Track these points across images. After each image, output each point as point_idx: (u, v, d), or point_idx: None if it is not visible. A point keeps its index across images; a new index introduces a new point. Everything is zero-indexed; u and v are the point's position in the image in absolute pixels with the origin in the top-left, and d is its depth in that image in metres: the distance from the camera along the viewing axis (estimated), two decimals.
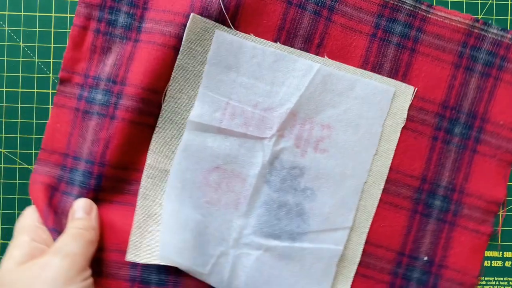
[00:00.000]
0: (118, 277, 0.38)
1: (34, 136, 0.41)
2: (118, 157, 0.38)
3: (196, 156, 0.38)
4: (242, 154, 0.39)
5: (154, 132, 0.39)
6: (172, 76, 0.38)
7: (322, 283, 0.39)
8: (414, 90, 0.39)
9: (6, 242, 0.41)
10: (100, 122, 0.38)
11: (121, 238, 0.38)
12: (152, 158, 0.39)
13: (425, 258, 0.39)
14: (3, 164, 0.41)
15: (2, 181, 0.41)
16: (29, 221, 0.37)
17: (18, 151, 0.41)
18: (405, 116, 0.39)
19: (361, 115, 0.38)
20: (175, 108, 0.39)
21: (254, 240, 0.38)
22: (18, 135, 0.41)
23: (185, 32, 0.38)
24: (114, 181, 0.39)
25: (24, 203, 0.41)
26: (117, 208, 0.39)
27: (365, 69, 0.39)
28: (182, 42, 0.38)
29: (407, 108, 0.39)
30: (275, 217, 0.38)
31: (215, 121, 0.38)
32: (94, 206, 0.38)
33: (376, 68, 0.39)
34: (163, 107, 0.38)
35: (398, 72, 0.39)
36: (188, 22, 0.38)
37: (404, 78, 0.39)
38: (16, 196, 0.41)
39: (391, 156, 0.39)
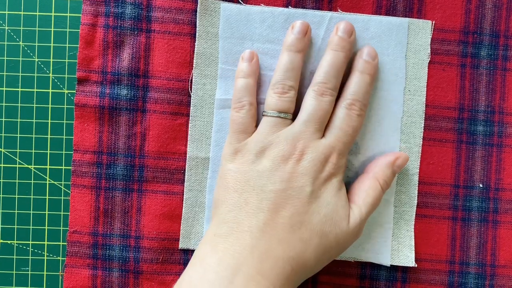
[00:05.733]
0: (172, 262, 0.40)
1: (33, 135, 0.41)
2: (157, 147, 0.39)
3: None
4: None
5: (189, 122, 0.39)
6: (194, 63, 0.39)
7: (383, 225, 0.39)
8: (432, 23, 0.39)
9: (6, 242, 0.41)
10: (132, 117, 0.39)
11: (169, 227, 0.39)
12: (192, 148, 0.39)
13: (481, 185, 0.39)
14: (3, 164, 0.41)
15: (1, 180, 0.41)
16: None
17: (17, 150, 0.41)
18: (429, 51, 0.39)
19: (382, 53, 0.39)
20: (203, 95, 0.39)
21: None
22: (18, 135, 0.41)
23: (197, 18, 0.38)
24: (156, 171, 0.39)
25: (24, 203, 0.41)
26: (161, 197, 0.39)
27: (379, 14, 0.39)
28: (197, 28, 0.38)
29: (429, 43, 0.39)
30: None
31: None
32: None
33: (390, 11, 0.39)
34: (192, 95, 0.39)
35: (412, 10, 0.39)
36: (198, 7, 0.38)
37: (420, 14, 0.39)
38: (16, 196, 0.41)
39: (424, 93, 0.39)
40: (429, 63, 0.39)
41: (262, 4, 0.39)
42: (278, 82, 0.36)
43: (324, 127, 0.36)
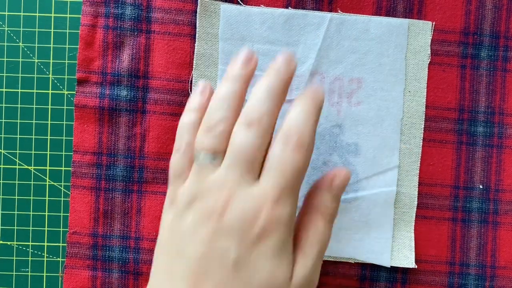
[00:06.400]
0: None
1: (33, 136, 0.41)
2: (157, 148, 0.39)
3: None
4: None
5: None
6: (194, 64, 0.39)
7: (383, 226, 0.39)
8: (432, 24, 0.39)
9: (5, 243, 0.41)
10: (132, 118, 0.39)
11: None
12: None
13: (481, 186, 0.39)
14: (3, 165, 0.41)
15: (1, 181, 0.41)
16: None
17: (17, 151, 0.41)
18: (429, 52, 0.39)
19: (382, 54, 0.39)
20: None
21: None
22: (18, 136, 0.41)
23: (197, 19, 0.38)
24: (157, 172, 0.39)
25: (24, 204, 0.41)
26: (161, 198, 0.39)
27: (379, 15, 0.39)
28: (197, 29, 0.38)
29: (429, 43, 0.39)
30: (322, 174, 0.38)
31: None
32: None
33: (391, 12, 0.39)
34: None
35: (412, 11, 0.39)
36: (198, 8, 0.38)
37: (420, 15, 0.39)
38: (16, 197, 0.41)
39: (424, 94, 0.39)
40: (429, 64, 0.39)
41: (262, 5, 0.39)
42: (208, 115, 0.30)
43: (257, 167, 0.29)
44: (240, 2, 0.39)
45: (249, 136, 0.28)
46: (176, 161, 0.31)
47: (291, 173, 0.28)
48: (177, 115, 0.39)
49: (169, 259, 0.29)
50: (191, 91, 0.39)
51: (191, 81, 0.39)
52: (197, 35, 0.39)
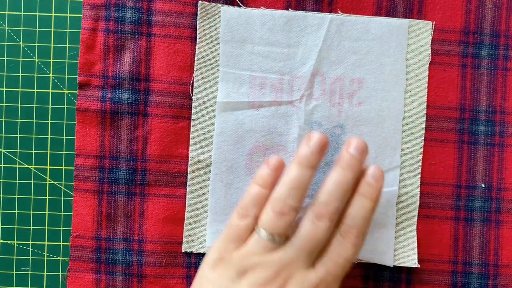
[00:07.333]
0: (175, 265, 0.40)
1: (34, 136, 0.41)
2: (159, 151, 0.39)
3: (234, 136, 0.39)
4: (277, 123, 0.39)
5: (191, 125, 0.39)
6: (195, 67, 0.39)
7: (386, 225, 0.39)
8: (432, 24, 0.39)
9: (6, 242, 0.41)
10: (133, 121, 0.39)
11: (172, 231, 0.39)
12: (194, 151, 0.39)
13: (483, 185, 0.39)
14: (3, 164, 0.41)
15: (2, 181, 0.41)
16: None
17: (18, 151, 0.41)
18: (429, 51, 0.39)
19: (383, 54, 0.39)
20: (204, 98, 0.39)
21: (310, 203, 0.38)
22: (18, 135, 0.41)
23: (197, 22, 0.38)
24: (159, 175, 0.39)
25: (24, 203, 0.41)
26: (164, 201, 0.39)
27: (379, 15, 0.39)
28: (197, 31, 0.38)
29: (429, 43, 0.39)
30: (324, 175, 0.38)
31: (243, 96, 0.39)
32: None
33: (391, 12, 0.39)
34: (193, 99, 0.39)
35: (412, 11, 0.39)
36: (198, 10, 0.38)
37: (420, 15, 0.39)
38: (16, 196, 0.41)
39: (425, 93, 0.39)
40: (429, 63, 0.39)
41: (262, 7, 0.39)
42: (280, 199, 0.32)
43: (315, 254, 0.32)
44: (240, 4, 0.39)
45: (317, 228, 0.32)
46: (238, 226, 0.33)
47: (344, 264, 0.32)
48: (179, 117, 0.39)
49: None
50: (192, 93, 0.39)
51: (192, 83, 0.39)
52: (197, 37, 0.39)
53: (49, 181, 0.41)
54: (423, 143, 0.39)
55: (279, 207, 0.32)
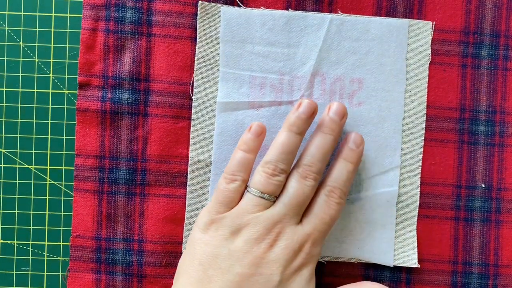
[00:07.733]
0: (175, 265, 0.39)
1: (34, 136, 0.41)
2: (159, 151, 0.39)
3: (234, 136, 0.39)
4: (277, 123, 0.39)
5: (191, 125, 0.39)
6: (195, 67, 0.39)
7: (386, 225, 0.39)
8: (433, 24, 0.39)
9: (6, 242, 0.41)
10: (134, 121, 0.39)
11: (172, 231, 0.39)
12: (194, 152, 0.39)
13: (483, 185, 0.39)
14: (3, 164, 0.41)
15: (2, 181, 0.41)
16: None
17: (18, 151, 0.41)
18: (429, 51, 0.39)
19: (383, 54, 0.39)
20: (205, 98, 0.39)
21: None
22: (18, 135, 0.41)
23: (197, 22, 0.38)
24: (159, 175, 0.39)
25: (24, 203, 0.41)
26: (164, 201, 0.39)
27: (379, 15, 0.39)
28: (197, 32, 0.39)
29: (429, 43, 0.39)
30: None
31: (243, 96, 0.39)
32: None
33: (391, 12, 0.39)
34: (193, 99, 0.39)
35: (412, 11, 0.39)
36: (198, 10, 0.38)
37: (420, 15, 0.39)
38: (16, 196, 0.41)
39: (425, 94, 0.39)
40: (429, 63, 0.39)
41: (262, 7, 0.39)
42: (271, 162, 0.35)
43: (303, 211, 0.35)
44: (240, 4, 0.39)
45: (304, 186, 0.35)
46: (227, 191, 0.35)
47: (329, 221, 0.35)
48: (179, 117, 0.39)
49: (207, 271, 0.33)
50: (192, 93, 0.39)
51: (192, 83, 0.39)
52: (197, 37, 0.39)
53: (49, 181, 0.41)
54: (423, 143, 0.39)
55: (271, 169, 0.35)
